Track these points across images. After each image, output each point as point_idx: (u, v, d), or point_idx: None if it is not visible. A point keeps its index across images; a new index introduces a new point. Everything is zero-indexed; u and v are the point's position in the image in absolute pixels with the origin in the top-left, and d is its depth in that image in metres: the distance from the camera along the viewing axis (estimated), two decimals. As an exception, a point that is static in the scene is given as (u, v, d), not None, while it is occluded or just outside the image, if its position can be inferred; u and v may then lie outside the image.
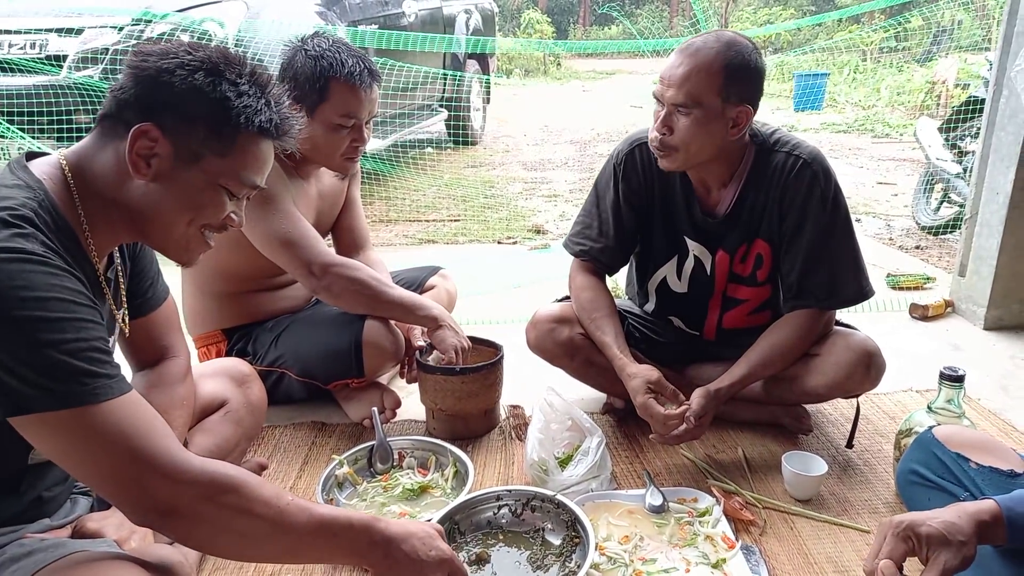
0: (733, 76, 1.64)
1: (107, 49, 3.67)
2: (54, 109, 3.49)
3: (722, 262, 1.88)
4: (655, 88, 1.72)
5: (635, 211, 1.91)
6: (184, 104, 1.07)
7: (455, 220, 4.67)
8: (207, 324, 2.04)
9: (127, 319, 1.32)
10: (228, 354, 1.99)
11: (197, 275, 2.00)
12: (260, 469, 1.74)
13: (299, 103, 1.80)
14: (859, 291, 1.80)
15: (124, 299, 1.31)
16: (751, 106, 1.69)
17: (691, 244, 1.90)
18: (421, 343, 2.05)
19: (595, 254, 1.93)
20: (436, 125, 6.83)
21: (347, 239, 2.21)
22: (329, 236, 2.22)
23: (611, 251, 1.93)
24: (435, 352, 1.98)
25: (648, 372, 1.76)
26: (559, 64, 16.71)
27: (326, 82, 1.79)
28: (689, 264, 1.92)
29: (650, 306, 2.08)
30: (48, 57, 3.63)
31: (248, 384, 1.68)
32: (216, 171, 1.11)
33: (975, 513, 1.11)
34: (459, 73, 6.47)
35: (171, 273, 1.57)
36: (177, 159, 1.08)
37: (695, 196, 1.86)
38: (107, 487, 0.97)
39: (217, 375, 1.66)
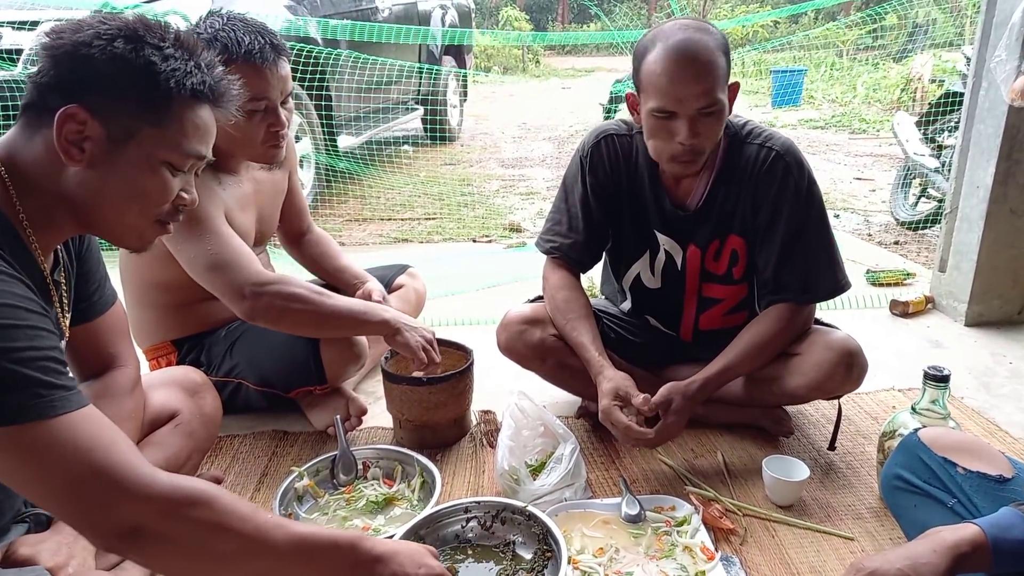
0: (727, 58, 1.60)
1: (65, 43, 3.52)
2: (9, 105, 3.35)
3: (694, 258, 1.82)
4: (661, 102, 1.56)
5: (604, 204, 1.83)
6: (108, 77, 0.98)
7: (430, 219, 4.58)
8: (154, 335, 1.93)
9: (70, 324, 1.23)
10: (179, 364, 1.88)
11: (133, 287, 1.88)
12: (215, 483, 1.64)
13: None
14: (836, 284, 1.75)
15: (69, 303, 1.22)
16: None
17: (661, 238, 1.83)
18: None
19: (566, 250, 1.86)
20: (412, 122, 6.73)
21: (292, 223, 2.14)
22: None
23: (582, 247, 1.85)
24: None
25: (623, 380, 1.68)
26: (538, 62, 16.65)
27: (224, 66, 1.66)
28: (661, 259, 1.85)
29: (627, 305, 2.01)
30: (1, 52, 3.48)
31: (201, 394, 1.59)
32: (154, 144, 1.03)
33: (954, 545, 1.05)
34: (436, 67, 6.38)
35: (116, 280, 1.48)
36: (111, 140, 1.00)
37: (664, 188, 1.80)
38: (67, 508, 0.90)
39: (168, 385, 1.56)
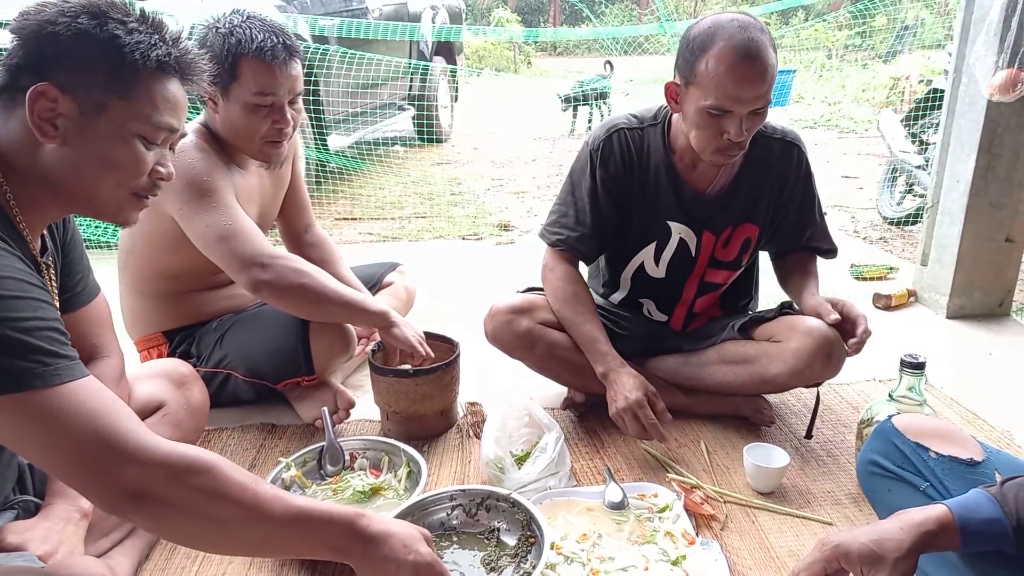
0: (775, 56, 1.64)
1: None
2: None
3: (707, 243, 1.88)
4: (719, 101, 1.58)
5: (613, 198, 1.86)
6: (74, 53, 1.01)
7: (421, 217, 4.60)
8: (147, 326, 1.94)
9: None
10: (170, 356, 1.90)
11: (133, 276, 1.90)
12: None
13: (213, 84, 1.72)
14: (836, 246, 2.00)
15: (58, 287, 1.24)
16: None
17: (676, 227, 1.87)
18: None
19: (572, 243, 1.88)
20: (404, 123, 6.75)
21: (293, 218, 2.16)
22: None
23: (588, 239, 1.88)
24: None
25: (644, 384, 1.75)
26: (530, 63, 16.70)
27: (236, 59, 1.68)
28: (671, 247, 1.89)
29: (619, 295, 2.03)
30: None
31: (188, 385, 1.61)
32: (124, 117, 1.05)
33: (920, 523, 1.07)
34: (426, 64, 6.39)
35: (107, 274, 1.49)
36: (83, 114, 1.03)
37: (681, 178, 1.84)
38: (72, 473, 0.93)
39: (154, 377, 1.58)
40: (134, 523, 0.99)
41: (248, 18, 1.72)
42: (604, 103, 8.03)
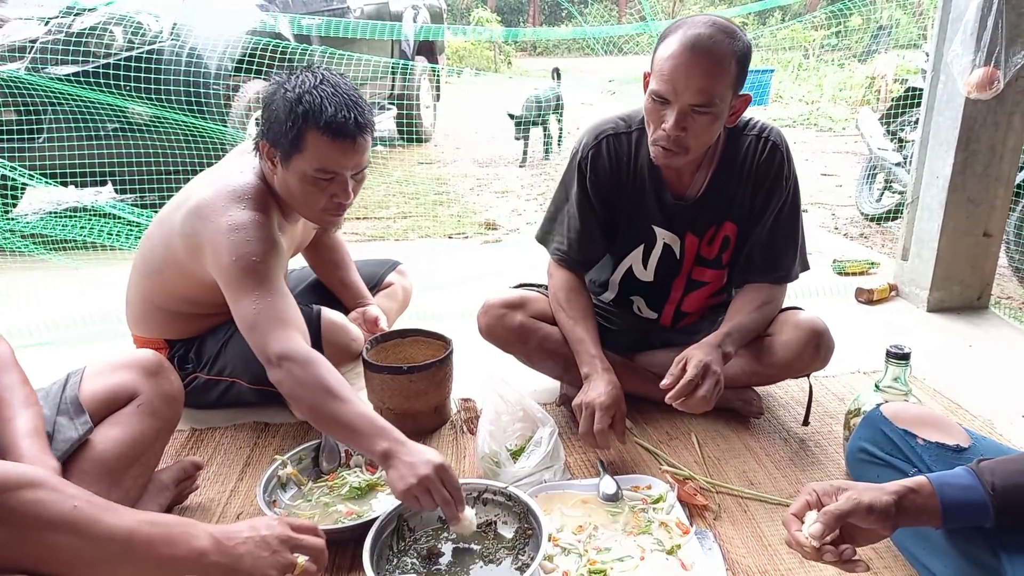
0: (742, 68, 1.60)
1: (34, 41, 3.50)
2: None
3: (691, 245, 1.88)
4: (658, 86, 1.59)
5: (603, 204, 1.86)
6: None
7: (405, 217, 4.61)
8: (151, 330, 1.92)
9: None
10: (170, 361, 1.87)
11: (152, 292, 1.85)
12: (195, 469, 1.65)
13: (275, 148, 1.60)
14: (805, 265, 1.89)
15: None
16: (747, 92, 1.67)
17: (659, 232, 1.87)
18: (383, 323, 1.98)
19: (565, 252, 1.90)
20: (386, 122, 6.74)
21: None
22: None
23: (583, 249, 1.89)
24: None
25: (618, 393, 1.68)
26: (510, 63, 16.75)
27: (301, 131, 1.54)
28: (657, 251, 1.89)
29: (609, 295, 2.05)
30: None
31: (161, 374, 1.55)
32: None
33: (900, 486, 1.12)
34: (408, 64, 6.39)
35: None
36: None
37: (664, 183, 1.82)
38: None
39: (127, 367, 1.51)
40: None
41: (322, 82, 1.56)
42: (558, 119, 6.72)
